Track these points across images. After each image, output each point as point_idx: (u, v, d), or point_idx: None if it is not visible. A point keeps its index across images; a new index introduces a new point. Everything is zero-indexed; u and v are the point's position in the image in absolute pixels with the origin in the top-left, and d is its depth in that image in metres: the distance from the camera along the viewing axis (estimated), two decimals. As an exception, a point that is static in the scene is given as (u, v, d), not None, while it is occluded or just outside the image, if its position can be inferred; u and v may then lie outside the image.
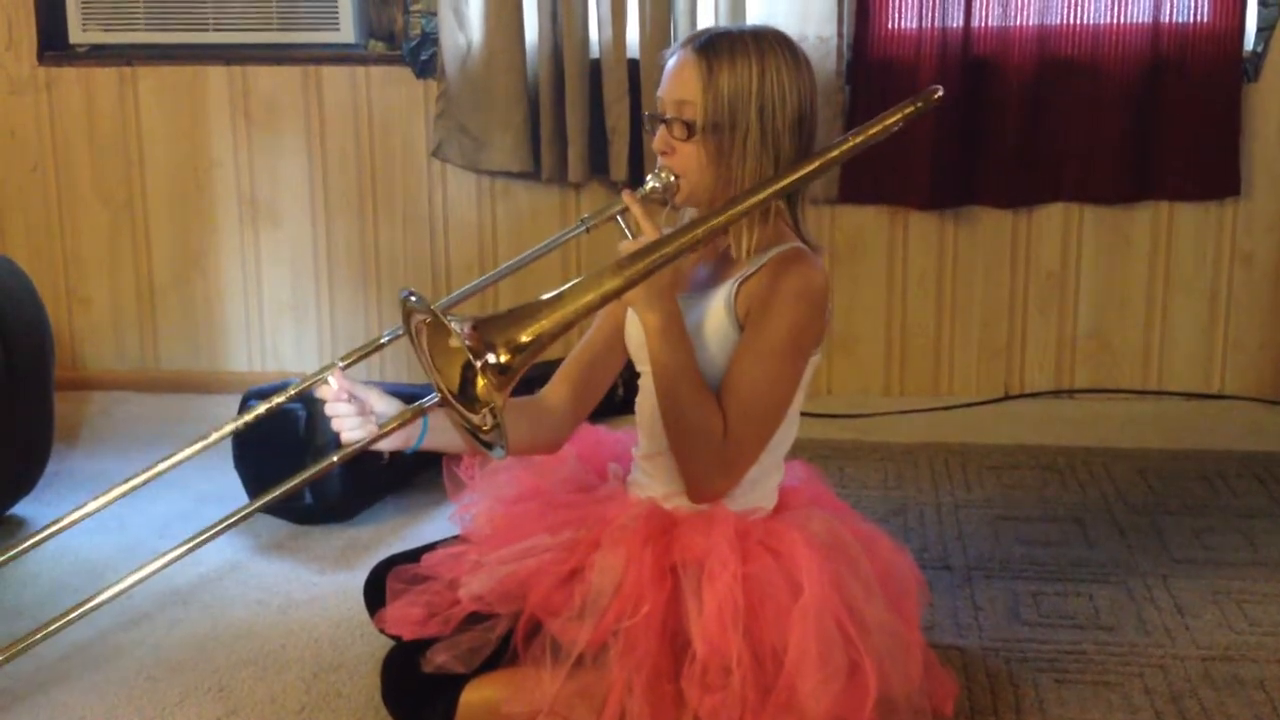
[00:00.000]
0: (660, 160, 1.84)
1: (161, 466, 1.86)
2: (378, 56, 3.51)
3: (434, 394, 1.66)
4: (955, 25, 3.27)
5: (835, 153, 1.83)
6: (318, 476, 1.80)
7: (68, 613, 1.85)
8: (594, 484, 2.03)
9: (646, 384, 1.89)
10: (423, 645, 1.84)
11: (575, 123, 3.36)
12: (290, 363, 3.70)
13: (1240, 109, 3.31)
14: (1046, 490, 2.88)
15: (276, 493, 1.80)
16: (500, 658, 1.81)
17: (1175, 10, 3.24)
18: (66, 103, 3.61)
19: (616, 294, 1.64)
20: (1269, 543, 2.59)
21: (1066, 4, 3.27)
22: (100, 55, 3.58)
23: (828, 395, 3.56)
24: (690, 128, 1.79)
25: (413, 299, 1.56)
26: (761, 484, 1.91)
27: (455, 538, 2.00)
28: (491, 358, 1.52)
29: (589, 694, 1.74)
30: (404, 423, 1.78)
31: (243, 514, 1.82)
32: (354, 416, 1.78)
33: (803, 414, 1.95)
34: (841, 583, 1.78)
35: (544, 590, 1.80)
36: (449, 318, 1.52)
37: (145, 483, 1.86)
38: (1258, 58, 3.32)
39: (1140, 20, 3.26)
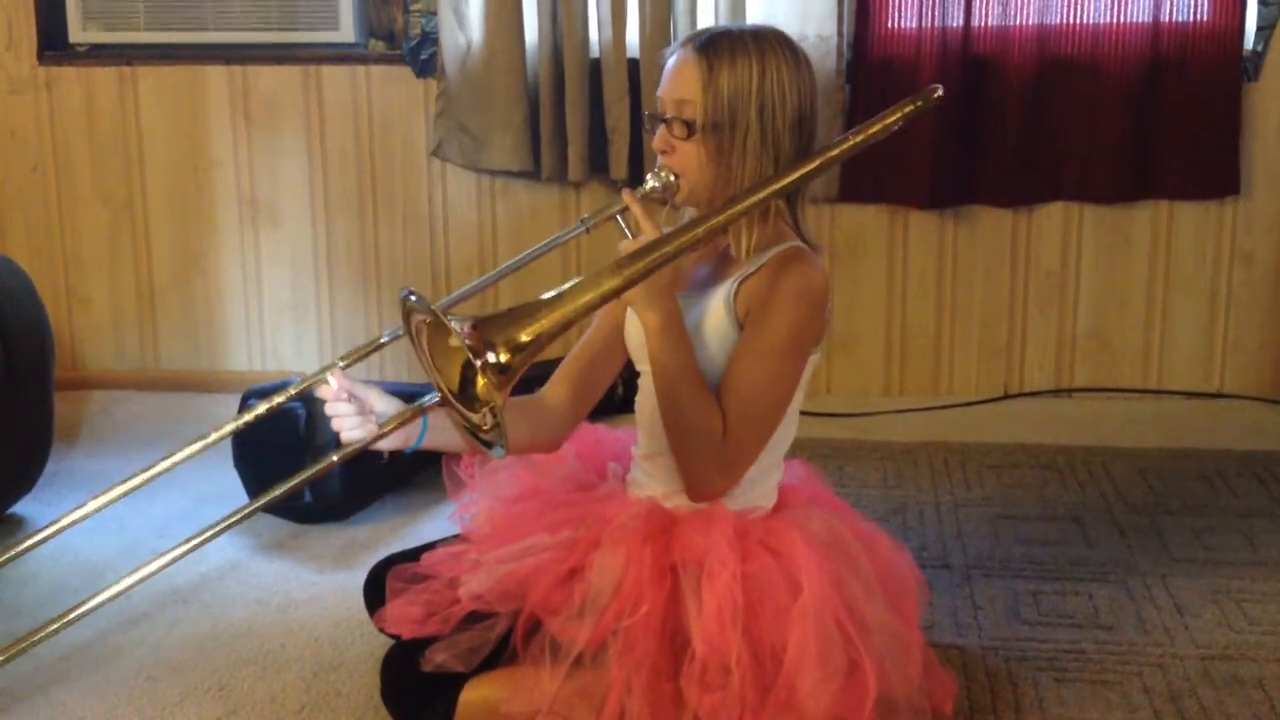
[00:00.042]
0: (660, 159, 1.84)
1: (161, 466, 1.87)
2: (378, 56, 3.51)
3: (434, 393, 1.66)
4: (955, 25, 3.27)
5: (835, 152, 1.82)
6: (318, 476, 1.81)
7: (67, 613, 1.86)
8: (593, 483, 2.03)
9: (646, 383, 1.89)
10: (422, 644, 1.84)
11: (575, 122, 3.36)
12: (290, 362, 3.70)
13: (1240, 108, 3.31)
14: (1046, 489, 2.88)
15: (276, 492, 1.81)
16: (500, 657, 1.81)
17: (1175, 10, 3.24)
18: (66, 102, 3.61)
19: (616, 293, 1.64)
20: (1268, 542, 2.59)
21: (1066, 3, 3.27)
22: (100, 55, 3.58)
23: (827, 395, 3.56)
24: (690, 127, 1.79)
25: (413, 298, 1.56)
26: (761, 483, 1.90)
27: (455, 537, 2.00)
28: (491, 357, 1.52)
29: (588, 693, 1.74)
30: (404, 422, 1.78)
31: (243, 514, 1.82)
32: (354, 416, 1.78)
33: (802, 413, 1.95)
34: (841, 582, 1.78)
35: (543, 589, 1.80)
36: (449, 317, 1.52)
37: (145, 482, 1.87)
38: (1258, 57, 3.32)
39: (1140, 20, 3.26)
